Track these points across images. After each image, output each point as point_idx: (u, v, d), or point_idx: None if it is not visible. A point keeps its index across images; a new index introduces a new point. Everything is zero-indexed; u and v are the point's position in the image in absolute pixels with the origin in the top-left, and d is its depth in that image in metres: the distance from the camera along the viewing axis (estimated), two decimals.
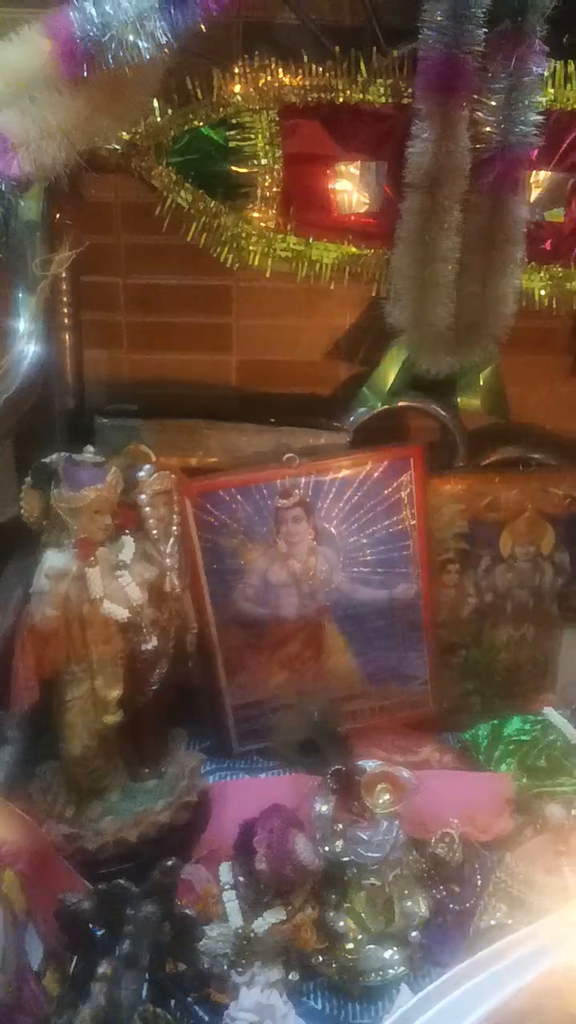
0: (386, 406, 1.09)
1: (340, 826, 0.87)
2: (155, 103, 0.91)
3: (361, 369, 1.13)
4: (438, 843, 0.94)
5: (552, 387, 1.15)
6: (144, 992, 0.76)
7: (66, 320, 1.04)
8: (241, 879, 0.87)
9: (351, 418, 1.11)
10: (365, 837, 0.86)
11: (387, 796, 0.86)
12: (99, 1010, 0.62)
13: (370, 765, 0.89)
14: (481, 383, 1.06)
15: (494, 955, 0.66)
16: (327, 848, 0.87)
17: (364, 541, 1.11)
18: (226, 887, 0.89)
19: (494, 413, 1.09)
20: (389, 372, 1.05)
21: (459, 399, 1.09)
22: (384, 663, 1.16)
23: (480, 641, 1.20)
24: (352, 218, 0.97)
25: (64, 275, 1.00)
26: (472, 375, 1.06)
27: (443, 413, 1.11)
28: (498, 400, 1.07)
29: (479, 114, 0.87)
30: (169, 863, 0.74)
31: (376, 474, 1.08)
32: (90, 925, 0.78)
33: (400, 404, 1.10)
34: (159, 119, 0.92)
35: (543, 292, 0.99)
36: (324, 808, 0.87)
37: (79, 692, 0.92)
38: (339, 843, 0.87)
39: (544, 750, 1.10)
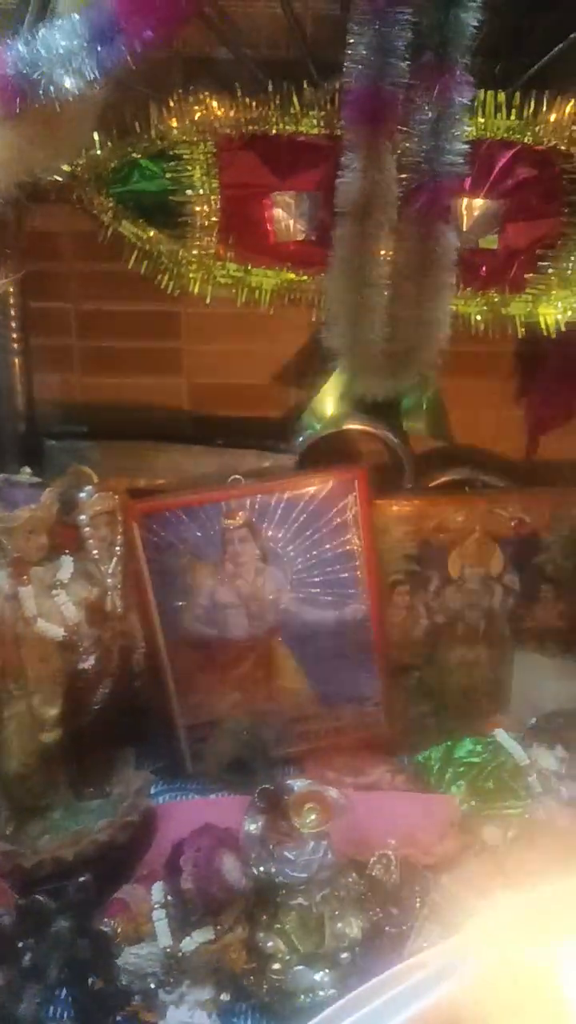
0: (330, 429, 1.10)
1: (271, 846, 0.88)
2: (95, 135, 0.94)
3: (310, 392, 1.15)
4: (375, 864, 0.94)
5: (498, 411, 1.16)
6: (64, 1009, 0.77)
7: (15, 344, 1.06)
8: (170, 898, 0.88)
9: (298, 441, 1.12)
10: (291, 857, 0.86)
11: (314, 816, 0.87)
12: None
13: (297, 784, 0.89)
14: (424, 406, 1.07)
15: (387, 982, 0.65)
16: (258, 868, 0.87)
17: (311, 562, 1.12)
18: (156, 906, 0.89)
19: (436, 435, 1.10)
20: (329, 396, 1.06)
21: (404, 422, 1.10)
22: (336, 684, 1.17)
23: (433, 662, 1.20)
24: (290, 246, 0.99)
25: (12, 301, 1.03)
26: (416, 398, 1.07)
27: (389, 436, 1.12)
28: (439, 422, 1.08)
29: (406, 144, 0.89)
30: (82, 879, 0.75)
31: (321, 496, 1.09)
32: (17, 940, 0.79)
33: (344, 427, 1.11)
34: (99, 151, 0.95)
35: (479, 318, 1.00)
36: (253, 827, 0.88)
37: (16, 710, 0.94)
38: (268, 863, 0.88)
39: (493, 772, 1.10)
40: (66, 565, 0.95)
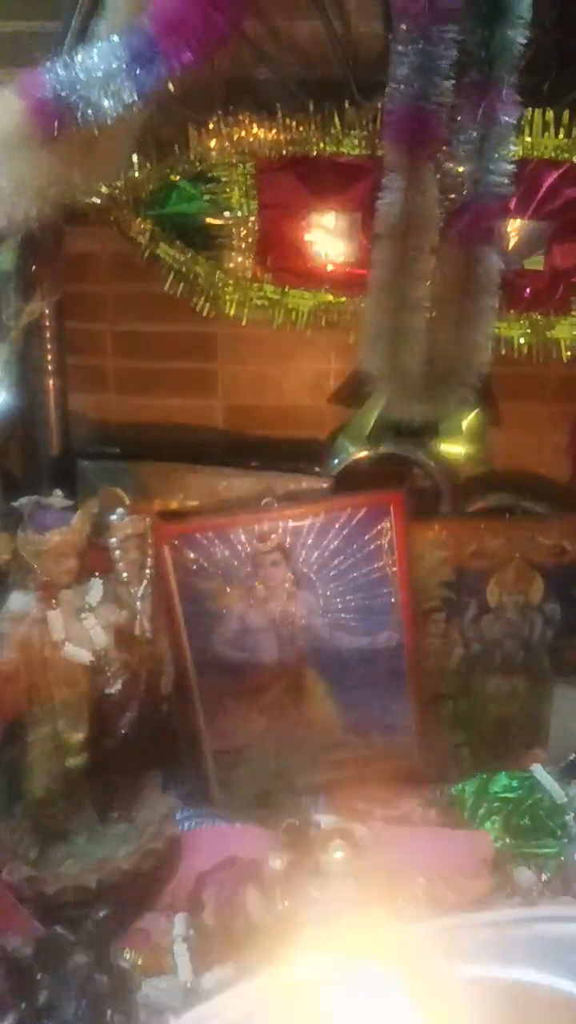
0: (366, 452, 1.08)
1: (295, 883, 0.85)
2: (135, 158, 0.94)
3: (346, 414, 1.13)
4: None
5: (541, 434, 1.13)
6: None
7: (50, 366, 1.06)
8: (191, 931, 0.86)
9: (333, 463, 1.10)
10: (315, 895, 0.84)
11: (340, 853, 0.84)
12: None
13: (324, 820, 0.87)
14: (463, 430, 1.04)
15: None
16: (282, 905, 0.85)
17: (344, 587, 1.09)
18: (177, 939, 0.87)
19: (476, 459, 1.07)
20: (368, 419, 1.04)
21: (442, 446, 1.08)
22: (367, 712, 1.14)
23: (469, 692, 1.17)
24: (328, 267, 0.98)
25: (47, 322, 1.03)
26: (455, 422, 1.05)
27: (425, 459, 1.10)
28: (480, 446, 1.05)
29: (449, 164, 0.87)
30: (103, 913, 0.73)
31: (355, 520, 1.07)
32: (34, 975, 0.78)
33: (381, 451, 1.09)
34: (138, 173, 0.94)
35: (522, 340, 0.98)
36: (277, 863, 0.85)
37: (42, 734, 0.93)
38: (292, 900, 0.85)
39: (529, 809, 1.06)
40: (96, 588, 0.94)
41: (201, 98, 0.95)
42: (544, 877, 0.94)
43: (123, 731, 1.00)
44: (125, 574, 0.97)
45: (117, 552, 0.96)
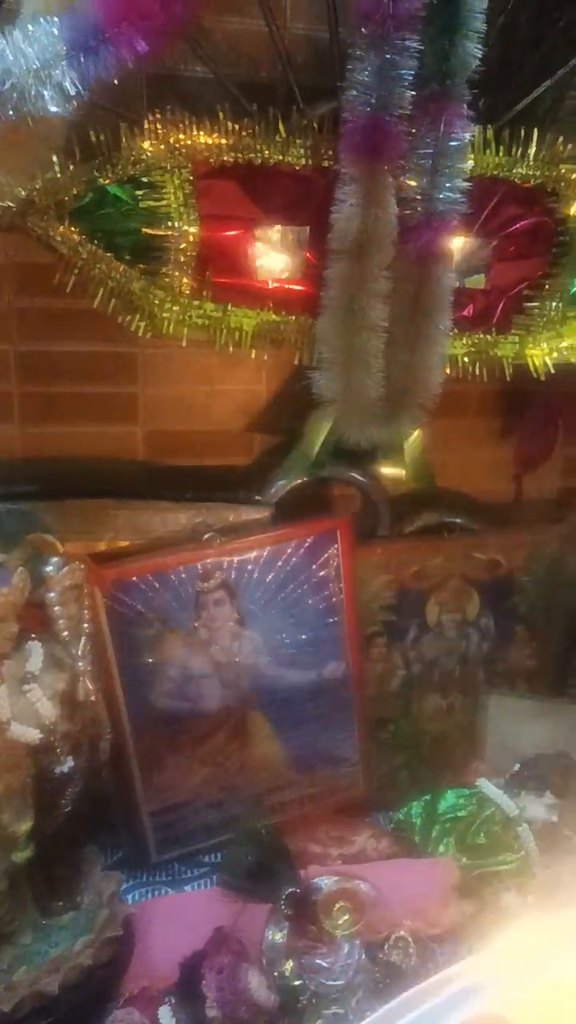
0: (309, 477, 1.03)
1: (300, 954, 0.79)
2: (54, 157, 0.82)
3: (278, 439, 1.07)
4: (392, 949, 0.87)
5: (469, 451, 1.13)
6: None
7: None
8: None
9: (271, 491, 1.04)
10: (326, 964, 0.78)
11: (347, 916, 0.79)
12: None
13: (325, 883, 0.81)
14: (405, 451, 1.02)
15: (424, 993, 0.64)
16: (291, 981, 0.78)
17: (291, 620, 1.03)
18: None
19: (419, 481, 1.05)
20: (314, 442, 0.99)
21: (383, 468, 1.05)
22: (313, 748, 1.09)
23: (408, 713, 1.16)
24: (273, 284, 0.91)
25: None
26: (395, 443, 1.02)
27: (365, 482, 1.06)
28: (422, 468, 1.03)
29: (404, 179, 0.84)
30: None
31: (302, 550, 1.01)
32: None
33: (324, 475, 1.04)
34: (59, 175, 0.82)
35: (466, 359, 0.97)
36: (278, 936, 0.78)
37: None
38: (288, 966, 0.79)
39: (482, 826, 1.05)
40: (35, 653, 0.81)
41: (123, 94, 0.85)
42: (530, 898, 0.93)
43: (66, 809, 0.88)
44: (65, 632, 0.84)
45: (56, 609, 0.83)
